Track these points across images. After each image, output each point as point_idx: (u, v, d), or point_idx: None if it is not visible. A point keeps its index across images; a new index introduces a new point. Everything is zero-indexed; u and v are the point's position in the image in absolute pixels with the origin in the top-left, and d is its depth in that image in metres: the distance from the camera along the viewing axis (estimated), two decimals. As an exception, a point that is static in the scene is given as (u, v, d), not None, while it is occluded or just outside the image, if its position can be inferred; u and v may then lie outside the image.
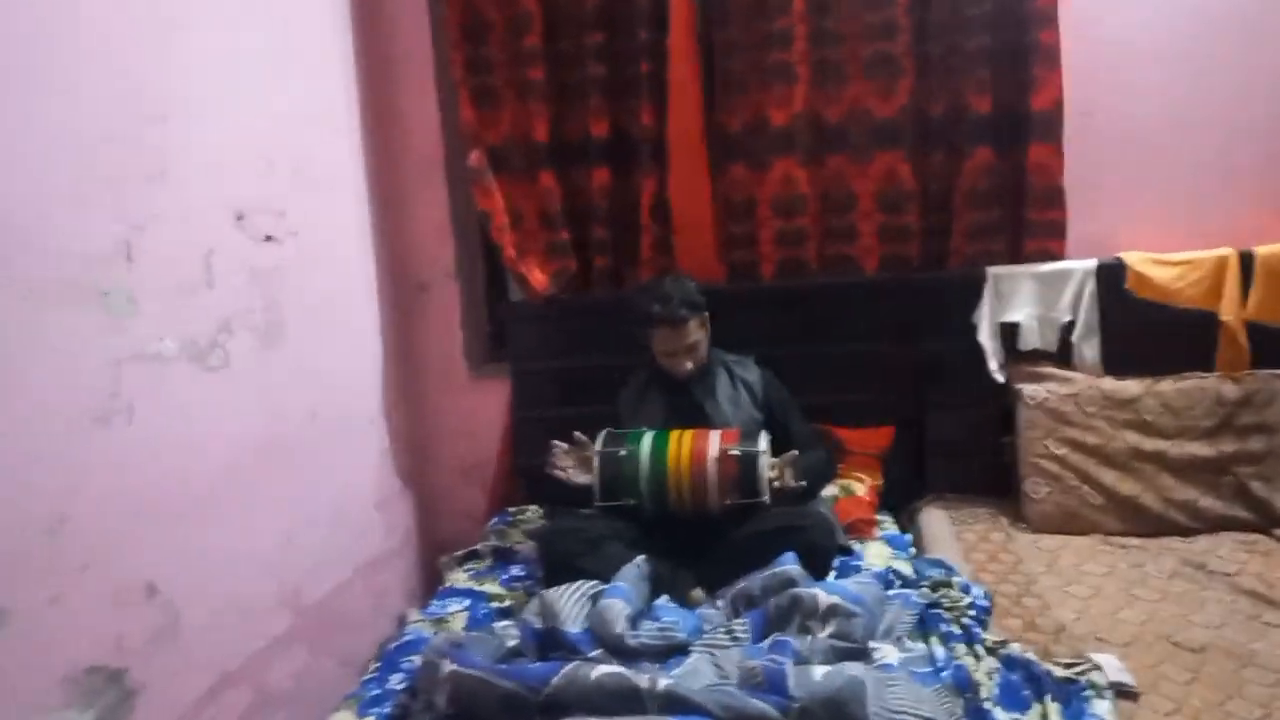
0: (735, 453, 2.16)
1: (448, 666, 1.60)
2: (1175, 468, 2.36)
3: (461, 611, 2.16)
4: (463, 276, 2.94)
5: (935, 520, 2.53)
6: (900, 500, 2.68)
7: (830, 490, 2.53)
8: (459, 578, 2.38)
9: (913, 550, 2.41)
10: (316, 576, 2.31)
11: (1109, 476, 2.38)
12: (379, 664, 1.93)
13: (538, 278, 2.74)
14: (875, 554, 2.30)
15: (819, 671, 1.54)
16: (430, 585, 2.70)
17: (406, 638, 2.02)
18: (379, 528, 2.68)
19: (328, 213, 2.45)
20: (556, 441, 2.33)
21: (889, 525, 2.52)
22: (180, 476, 1.80)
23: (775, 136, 2.64)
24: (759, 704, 1.48)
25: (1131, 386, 2.43)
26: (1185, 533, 2.31)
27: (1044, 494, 2.42)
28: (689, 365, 2.39)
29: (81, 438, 1.56)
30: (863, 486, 2.57)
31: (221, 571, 1.93)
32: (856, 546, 2.34)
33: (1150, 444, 2.38)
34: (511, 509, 2.83)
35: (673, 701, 1.48)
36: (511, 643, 1.82)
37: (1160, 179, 2.53)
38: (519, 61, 2.66)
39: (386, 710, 1.71)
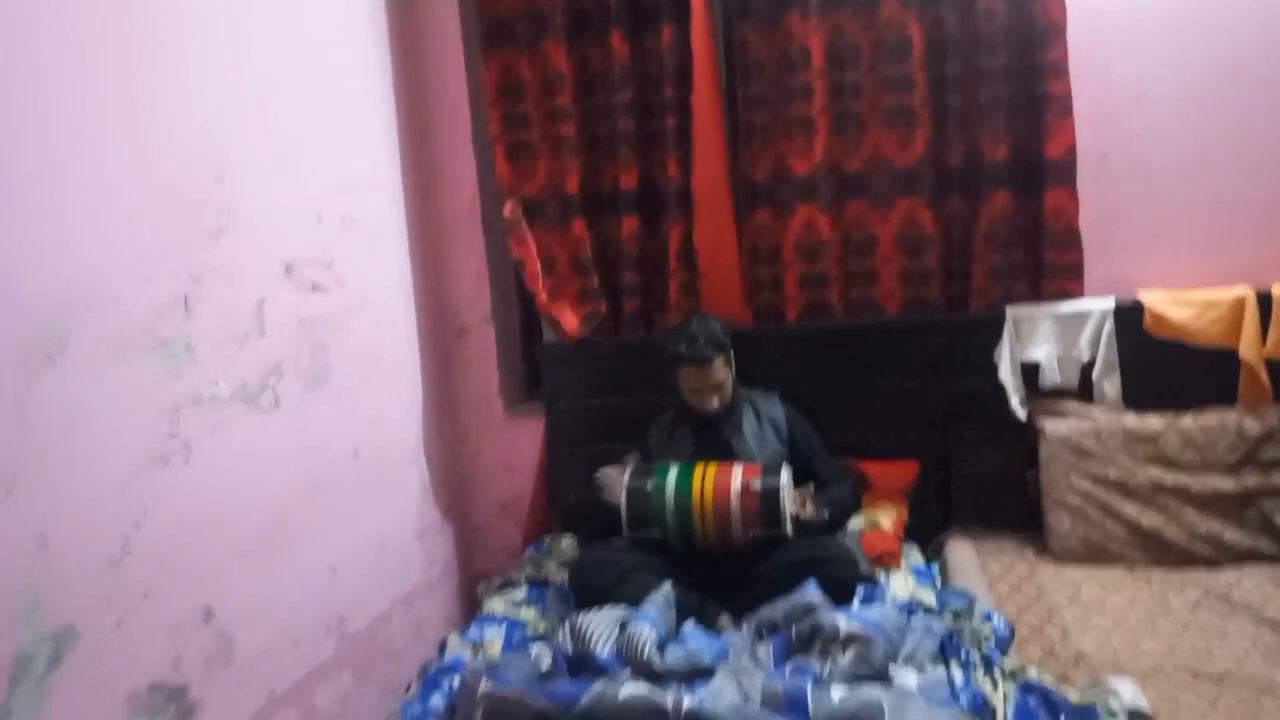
0: (757, 487, 2.24)
1: (484, 686, 1.69)
2: (1198, 501, 2.38)
3: (498, 637, 2.25)
4: (499, 320, 3.07)
5: (961, 552, 2.57)
6: (927, 533, 2.72)
7: (856, 523, 2.58)
8: (496, 605, 2.47)
9: (938, 581, 2.46)
10: (360, 606, 2.42)
11: (1132, 510, 2.41)
12: (420, 685, 2.02)
13: (570, 321, 2.86)
14: (900, 584, 2.35)
15: (837, 693, 1.61)
16: (469, 613, 2.79)
17: (446, 661, 2.11)
18: (419, 560, 2.79)
19: (372, 263, 2.60)
20: (605, 469, 2.45)
21: (915, 557, 2.57)
22: (234, 511, 1.93)
23: (798, 184, 2.75)
24: (778, 723, 1.54)
25: (1153, 422, 2.47)
26: (1210, 565, 2.34)
27: (1068, 527, 2.46)
28: (715, 402, 2.49)
29: (143, 475, 1.69)
30: (888, 519, 2.62)
31: (272, 600, 2.04)
32: (882, 577, 2.39)
33: (1173, 478, 2.41)
34: (546, 540, 2.92)
35: (696, 720, 1.56)
36: (545, 665, 1.90)
37: (1176, 219, 2.59)
38: (552, 118, 2.82)
39: (426, 730, 1.80)
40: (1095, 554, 2.42)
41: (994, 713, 1.68)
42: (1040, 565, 2.44)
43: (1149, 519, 2.40)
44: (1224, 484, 2.38)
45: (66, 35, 1.58)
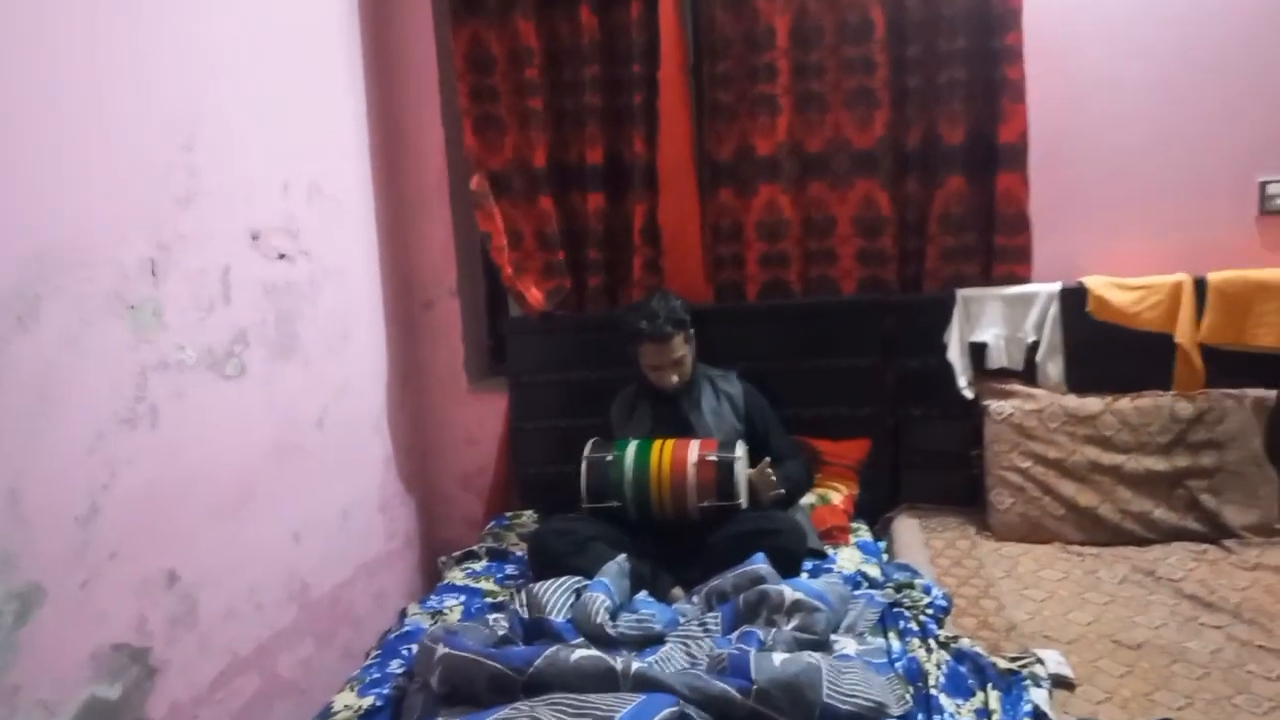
0: (712, 459, 2.32)
1: (440, 649, 1.75)
2: (1131, 481, 2.49)
3: (457, 606, 2.31)
4: (464, 294, 3.11)
5: (907, 528, 2.67)
6: (876, 510, 2.82)
7: (808, 499, 2.67)
8: (456, 576, 2.53)
9: (885, 556, 2.56)
10: (323, 573, 2.47)
11: (1069, 489, 2.52)
12: (379, 651, 2.08)
13: (534, 295, 2.90)
14: (847, 558, 2.44)
15: (779, 658, 1.69)
16: (430, 584, 2.85)
17: (406, 628, 2.17)
18: (382, 529, 2.84)
19: (338, 233, 2.62)
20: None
21: (863, 533, 2.67)
22: (199, 476, 1.97)
23: (761, 164, 2.81)
24: (722, 685, 1.62)
25: (1092, 404, 2.57)
26: (1140, 543, 2.45)
27: (1008, 504, 2.56)
28: (674, 379, 2.55)
29: (112, 438, 1.72)
30: (839, 495, 2.71)
31: (236, 565, 2.09)
32: (830, 551, 2.48)
33: (1108, 458, 2.52)
34: (508, 514, 2.98)
35: (644, 682, 1.63)
36: (501, 632, 1.97)
37: (1124, 205, 2.68)
38: (520, 91, 2.84)
39: (385, 691, 1.86)
40: (1033, 530, 2.53)
41: (926, 678, 1.77)
42: (981, 541, 2.55)
43: (1085, 498, 2.51)
44: (1156, 464, 2.49)
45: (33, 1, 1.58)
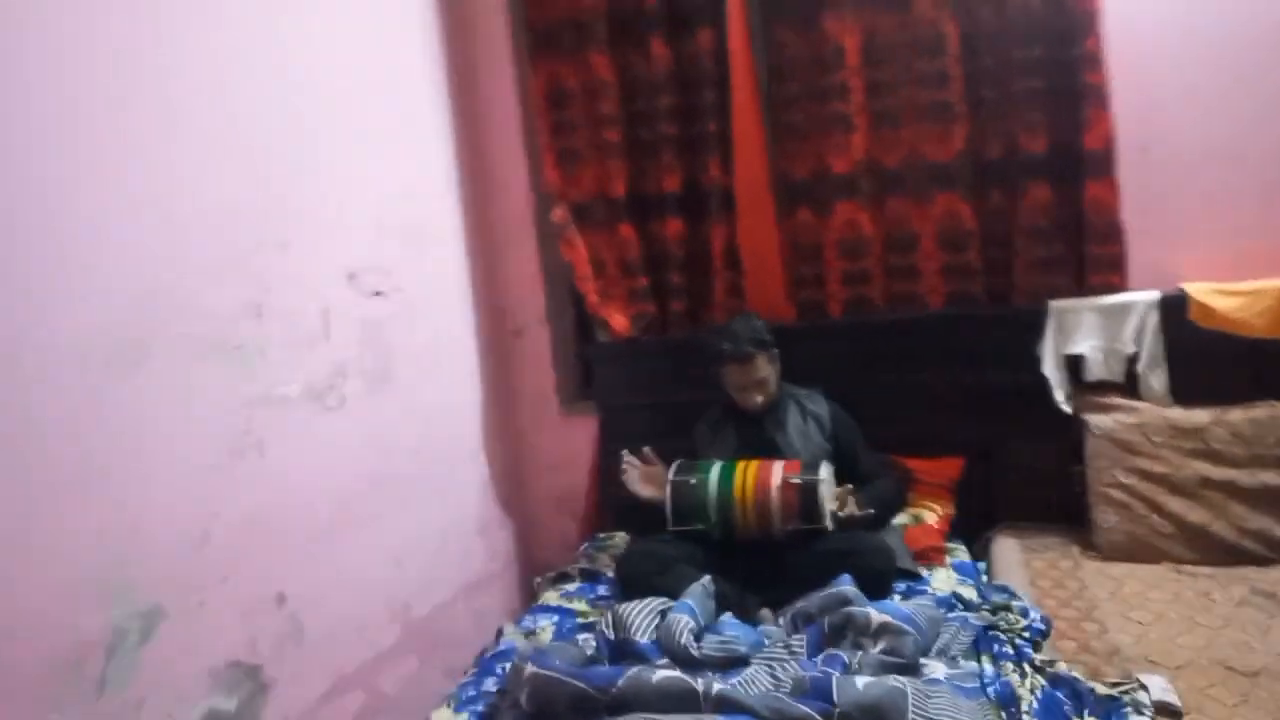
0: (796, 481, 2.31)
1: (529, 669, 1.80)
2: (1247, 496, 2.36)
3: (550, 625, 2.37)
4: (553, 321, 3.19)
5: (1006, 548, 2.59)
6: (975, 529, 2.75)
7: (901, 519, 2.63)
8: (550, 596, 2.59)
9: (985, 578, 2.49)
10: (424, 595, 2.57)
11: (1178, 505, 2.41)
12: (475, 670, 2.15)
13: (619, 321, 2.96)
14: (942, 580, 2.39)
15: (861, 681, 1.67)
16: (527, 604, 2.91)
17: (501, 648, 2.24)
18: (481, 552, 2.93)
19: (430, 268, 2.74)
20: (625, 452, 2.53)
21: (960, 553, 2.60)
22: (304, 503, 2.09)
23: (837, 182, 2.81)
24: (803, 708, 1.62)
25: (1199, 415, 2.46)
26: (1260, 562, 2.31)
27: (1113, 522, 2.47)
28: (759, 399, 2.56)
29: (221, 469, 1.85)
30: (933, 515, 2.66)
31: (340, 588, 2.20)
32: (925, 573, 2.43)
33: (1220, 473, 2.39)
34: (601, 535, 3.03)
35: (724, 703, 1.65)
36: (590, 652, 2.01)
37: (1220, 209, 2.56)
38: (598, 124, 2.92)
39: (479, 709, 1.93)
40: (1140, 550, 2.42)
41: (1019, 703, 1.72)
42: (1084, 561, 2.45)
43: (1196, 514, 2.39)
44: (1274, 479, 2.35)
45: (142, 55, 1.73)
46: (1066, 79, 2.55)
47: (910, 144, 2.75)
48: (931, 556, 2.51)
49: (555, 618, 2.43)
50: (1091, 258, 2.61)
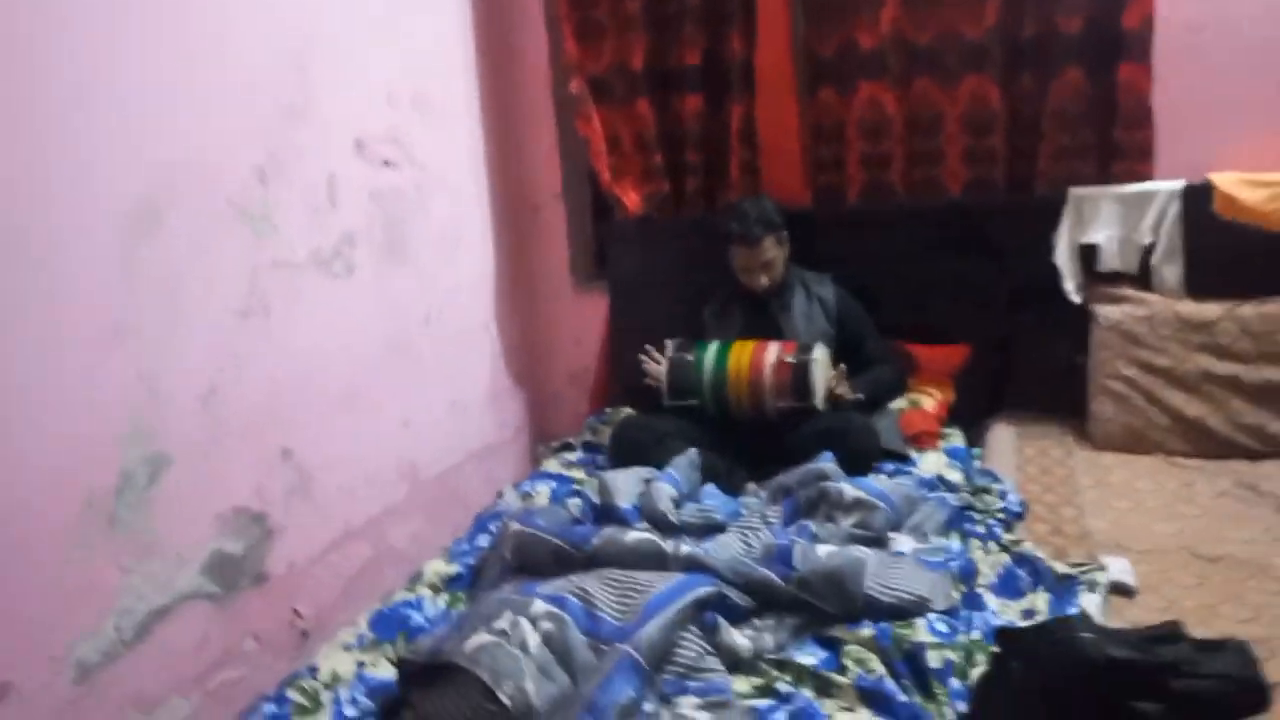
0: (790, 360, 2.35)
1: (514, 526, 1.92)
2: (1248, 391, 2.35)
3: (547, 490, 2.48)
4: (570, 198, 3.20)
5: (1002, 436, 2.62)
6: (976, 417, 2.77)
7: (900, 403, 2.66)
8: (552, 464, 2.71)
9: (977, 463, 2.53)
10: (432, 457, 2.69)
11: (1177, 398, 2.40)
12: (472, 527, 2.28)
13: (632, 199, 2.96)
14: (931, 463, 2.43)
15: (824, 550, 1.75)
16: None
17: (498, 509, 2.37)
18: (491, 419, 3.04)
19: (444, 140, 2.75)
20: (647, 348, 2.58)
21: (956, 439, 2.62)
22: (310, 365, 2.18)
23: (864, 60, 2.72)
24: (764, 571, 1.71)
25: (1210, 309, 2.41)
26: (1254, 456, 2.32)
27: (1110, 413, 2.47)
28: (765, 281, 2.57)
29: (229, 328, 1.94)
30: (932, 401, 2.68)
31: (347, 446, 2.31)
32: (915, 455, 2.48)
33: (1224, 367, 2.37)
34: (609, 410, 3.11)
35: (691, 563, 1.74)
36: (575, 514, 2.12)
37: (1260, 100, 2.44)
38: (618, -6, 2.85)
39: (470, 561, 2.06)
40: (1135, 441, 2.43)
41: (977, 578, 1.78)
42: (1076, 450, 2.48)
43: (1194, 408, 2.38)
44: (1278, 375, 2.32)
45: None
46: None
47: (942, 20, 2.64)
48: (925, 440, 2.55)
49: (553, 484, 2.54)
50: (1119, 144, 2.53)
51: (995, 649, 1.39)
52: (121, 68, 1.68)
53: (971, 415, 2.75)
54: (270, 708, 1.58)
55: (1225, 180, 2.43)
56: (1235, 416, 2.35)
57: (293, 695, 1.61)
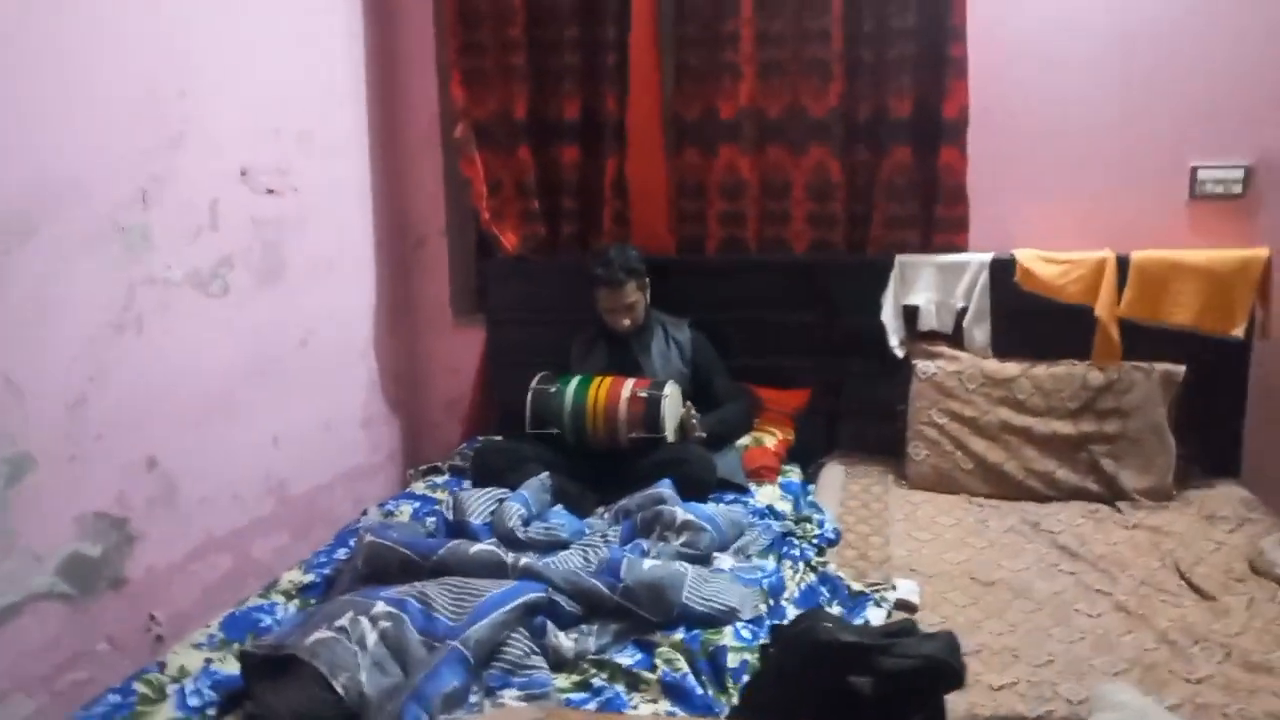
0: (643, 395, 2.58)
1: (367, 538, 2.05)
2: (1039, 442, 2.68)
3: (409, 509, 2.61)
4: (453, 235, 3.37)
5: (832, 473, 2.89)
6: (812, 455, 3.04)
7: (744, 440, 2.90)
8: (418, 486, 2.84)
9: (810, 496, 2.78)
10: (301, 476, 2.79)
11: (980, 445, 2.71)
12: (332, 540, 2.39)
13: (510, 239, 3.16)
14: (765, 495, 2.67)
15: (648, 564, 1.95)
16: (401, 493, 3.17)
17: (360, 525, 2.48)
18: (364, 443, 3.15)
19: (329, 174, 2.89)
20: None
21: (793, 474, 2.88)
22: (181, 379, 2.28)
23: (723, 126, 3.00)
24: (594, 581, 1.89)
25: (1010, 368, 2.75)
26: (1042, 499, 2.64)
27: (923, 456, 2.77)
28: (626, 322, 2.80)
29: (101, 339, 2.03)
30: (773, 439, 2.94)
31: (214, 459, 2.40)
32: (753, 487, 2.72)
33: (1020, 419, 2.70)
34: (481, 438, 3.26)
35: (529, 573, 1.91)
36: (429, 529, 2.26)
37: (1059, 181, 2.83)
38: (504, 48, 3.06)
39: (326, 571, 2.18)
40: (943, 482, 2.73)
41: (784, 593, 2.01)
42: (894, 489, 2.76)
43: (994, 454, 2.70)
44: (1063, 428, 2.67)
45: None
46: (935, 48, 2.77)
47: (792, 96, 2.94)
48: (764, 475, 2.79)
49: (417, 504, 2.67)
50: (939, 218, 2.86)
51: (765, 641, 1.61)
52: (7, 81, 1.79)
53: (809, 454, 3.03)
54: (115, 698, 1.66)
55: (1026, 256, 2.78)
56: (1027, 463, 2.67)
57: (139, 688, 1.69)
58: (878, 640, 1.26)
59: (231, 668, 1.76)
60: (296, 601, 2.06)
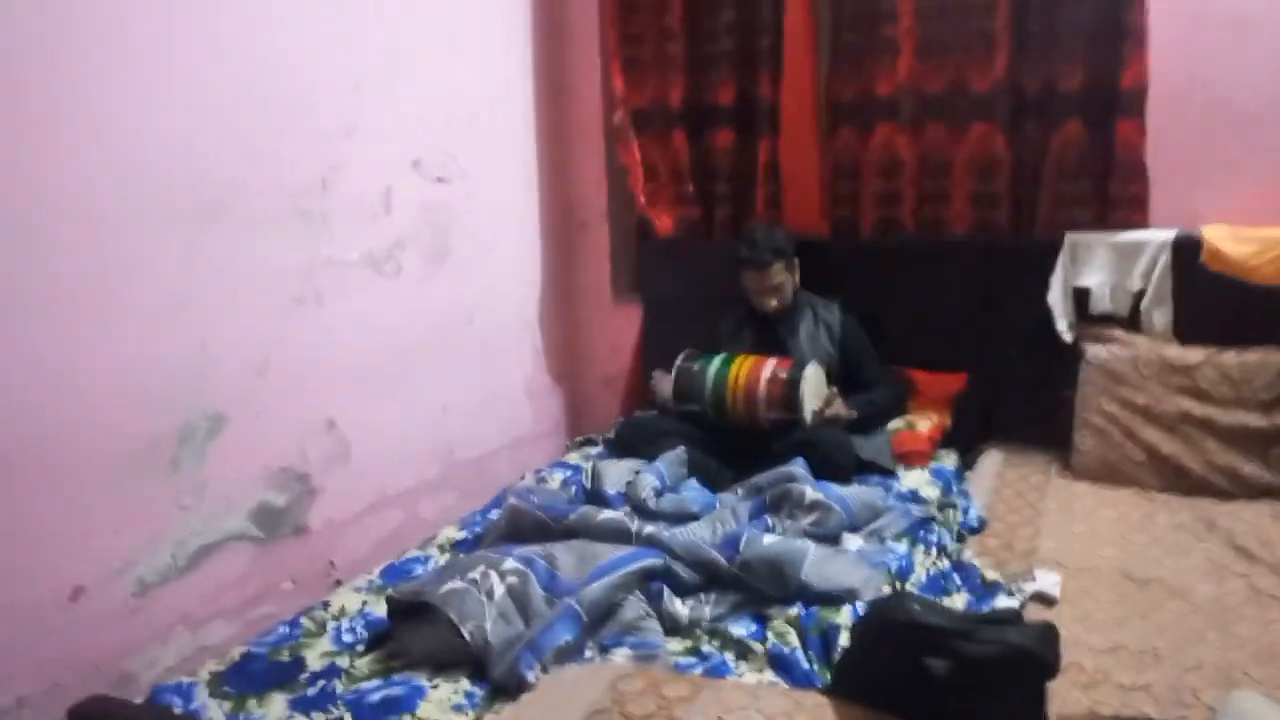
0: (783, 376, 2.58)
1: (512, 500, 2.20)
2: (1223, 434, 2.44)
3: (561, 476, 2.76)
4: (614, 219, 3.49)
5: (991, 460, 2.77)
6: (970, 442, 2.92)
7: (896, 424, 2.84)
8: (573, 456, 3.00)
9: (964, 483, 2.68)
10: (468, 442, 3.01)
11: (1153, 435, 2.51)
12: (488, 503, 2.58)
13: (664, 223, 3.24)
14: (913, 479, 2.61)
15: (770, 539, 1.97)
16: (562, 462, 3.33)
17: (516, 489, 2.65)
18: (528, 414, 3.35)
19: (496, 161, 3.09)
20: (656, 371, 2.86)
21: (947, 460, 2.79)
22: (357, 351, 2.52)
23: (880, 105, 2.93)
24: (712, 553, 1.94)
25: (1193, 354, 2.52)
26: (1223, 496, 2.41)
27: (1090, 446, 2.60)
28: (773, 303, 2.81)
29: (283, 311, 2.29)
30: (927, 423, 2.85)
31: (387, 424, 2.65)
32: (901, 472, 2.66)
33: (1201, 410, 2.47)
34: (638, 412, 3.37)
35: (650, 542, 1.99)
36: (569, 496, 2.39)
37: (1250, 155, 2.55)
38: (662, 37, 3.13)
39: (478, 529, 2.36)
40: (1111, 474, 2.55)
41: (911, 577, 1.97)
42: (1056, 479, 2.61)
43: (1169, 446, 2.49)
44: (1253, 420, 2.42)
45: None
46: (1110, 15, 2.57)
47: (953, 71, 2.83)
48: (914, 459, 2.73)
49: (569, 473, 2.82)
50: (1114, 196, 2.66)
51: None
52: (195, 75, 2.05)
53: (966, 440, 2.91)
54: (284, 629, 1.90)
55: (1214, 233, 2.54)
56: (1208, 457, 2.45)
57: (304, 622, 1.92)
58: (961, 625, 1.23)
59: (383, 610, 1.96)
60: (449, 555, 2.25)
